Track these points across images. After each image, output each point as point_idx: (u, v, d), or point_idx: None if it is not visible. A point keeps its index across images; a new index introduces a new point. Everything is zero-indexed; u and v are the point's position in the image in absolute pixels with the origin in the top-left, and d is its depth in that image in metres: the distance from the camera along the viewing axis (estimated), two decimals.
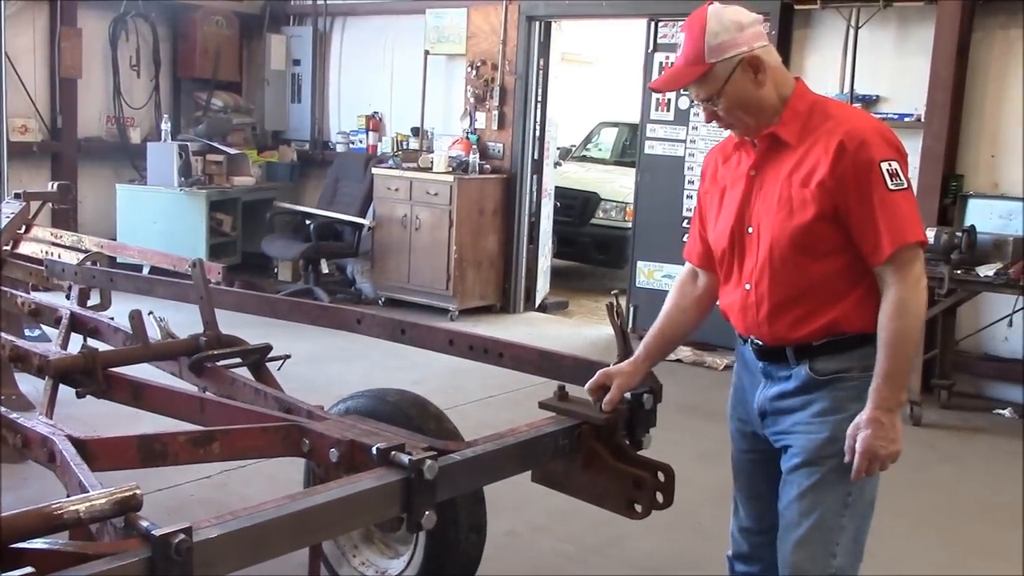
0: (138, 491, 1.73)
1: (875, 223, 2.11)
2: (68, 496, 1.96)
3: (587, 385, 2.46)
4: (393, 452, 2.07)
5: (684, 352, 6.81)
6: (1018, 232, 5.66)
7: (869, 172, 2.10)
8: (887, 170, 2.11)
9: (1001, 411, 5.90)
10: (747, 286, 2.28)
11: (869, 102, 6.42)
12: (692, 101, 2.29)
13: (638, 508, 2.37)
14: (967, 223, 5.79)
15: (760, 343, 2.30)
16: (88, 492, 1.83)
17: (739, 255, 2.30)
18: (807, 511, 2.22)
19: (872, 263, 2.15)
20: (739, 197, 2.29)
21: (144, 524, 1.67)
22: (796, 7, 6.57)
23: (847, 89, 6.41)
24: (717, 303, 2.46)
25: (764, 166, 2.26)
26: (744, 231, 2.28)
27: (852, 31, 6.44)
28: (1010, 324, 5.85)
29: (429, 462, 2.03)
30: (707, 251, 2.44)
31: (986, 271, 5.42)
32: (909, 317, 2.12)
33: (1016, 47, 6.05)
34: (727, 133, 2.35)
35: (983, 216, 5.77)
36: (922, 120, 6.12)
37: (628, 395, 2.49)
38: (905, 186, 2.13)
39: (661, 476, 2.37)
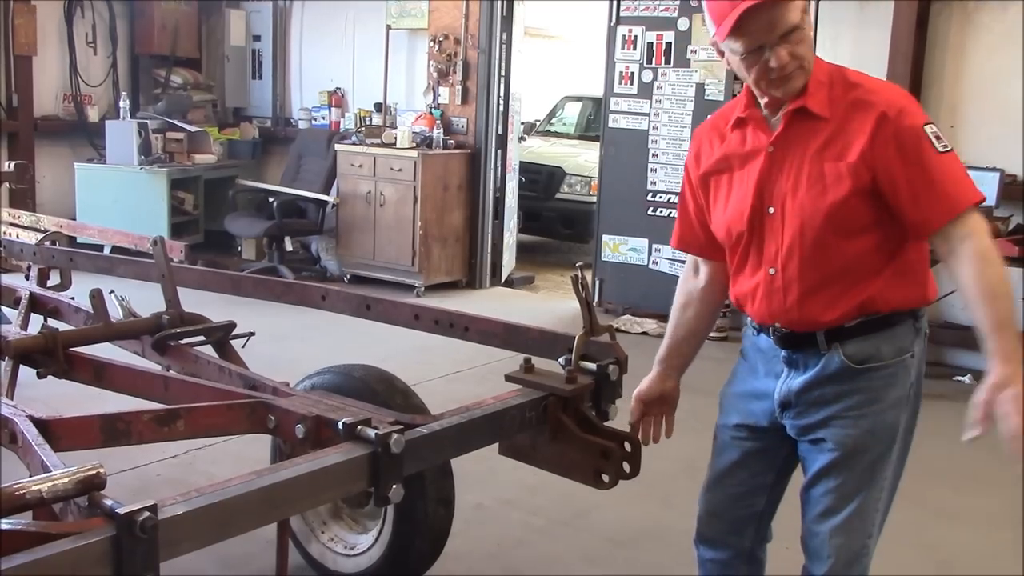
0: (101, 470, 1.71)
1: (931, 189, 2.01)
2: (31, 476, 1.94)
3: (635, 421, 2.43)
4: (359, 427, 2.06)
5: (650, 324, 6.84)
6: None
7: (917, 139, 2.02)
8: (932, 133, 2.03)
9: (961, 378, 5.99)
10: (771, 270, 2.16)
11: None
12: (743, 52, 2.04)
13: (605, 478, 2.37)
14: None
15: (785, 330, 2.18)
16: (51, 472, 1.81)
17: (758, 238, 2.18)
18: (847, 498, 2.16)
19: (932, 229, 2.03)
20: (756, 176, 2.16)
21: (108, 502, 1.66)
22: None
23: None
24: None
25: (786, 142, 2.12)
26: (764, 212, 2.15)
27: (813, 2, 6.45)
28: None
29: (396, 436, 2.02)
30: (708, 239, 2.33)
31: None
32: (996, 263, 2.00)
33: (974, 19, 6.10)
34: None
35: None
36: None
37: (594, 366, 2.50)
38: (951, 148, 2.05)
39: (628, 446, 2.38)
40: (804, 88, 2.09)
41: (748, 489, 2.36)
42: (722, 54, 2.14)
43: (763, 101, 2.16)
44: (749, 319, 2.30)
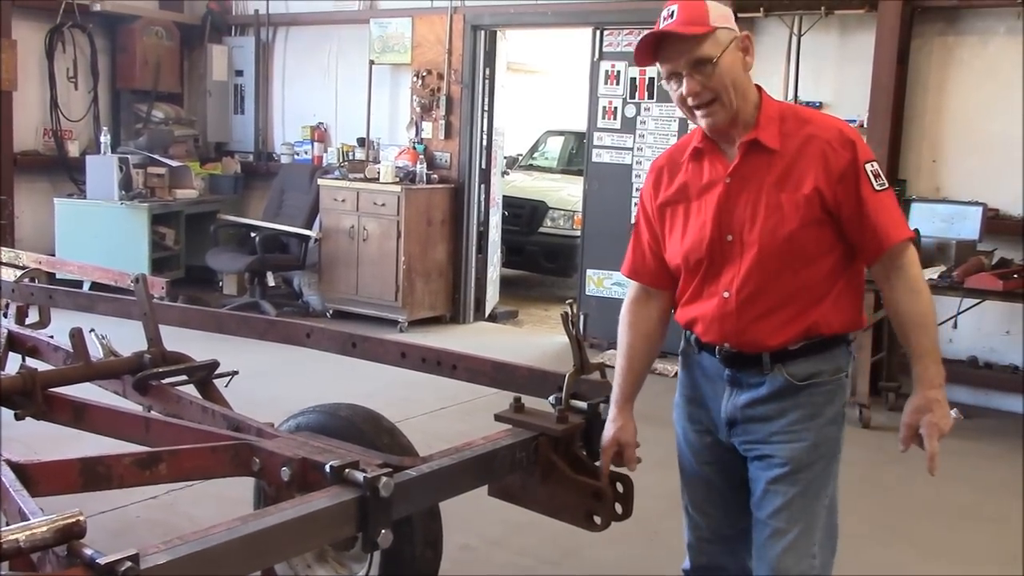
0: (81, 518, 1.66)
1: (869, 224, 2.15)
2: (7, 524, 1.88)
3: (605, 462, 2.40)
4: (347, 470, 2.02)
5: None
6: (960, 235, 5.75)
7: (857, 176, 2.15)
8: (871, 171, 2.16)
9: None
10: (726, 294, 2.23)
11: (813, 109, 6.49)
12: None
13: (597, 520, 2.34)
14: (911, 227, 5.86)
15: (733, 350, 2.25)
16: (29, 520, 1.76)
17: (717, 264, 2.25)
18: (795, 518, 2.21)
19: (869, 263, 2.23)
20: (714, 205, 2.23)
21: (88, 552, 1.61)
22: (739, 15, 6.54)
23: (791, 96, 6.47)
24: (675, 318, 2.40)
25: (743, 173, 2.20)
26: (723, 240, 2.22)
27: (795, 38, 6.51)
28: (954, 326, 5.94)
29: (385, 479, 1.98)
30: (660, 268, 2.39)
31: (930, 274, 5.48)
32: (925, 295, 2.19)
33: (954, 54, 6.16)
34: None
35: (926, 220, 5.85)
36: (864, 126, 6.20)
37: (585, 405, 2.47)
38: (887, 186, 2.19)
39: (620, 487, 2.35)
40: (755, 122, 2.19)
41: (730, 508, 2.39)
42: None
43: (709, 133, 2.25)
44: (692, 338, 2.35)
